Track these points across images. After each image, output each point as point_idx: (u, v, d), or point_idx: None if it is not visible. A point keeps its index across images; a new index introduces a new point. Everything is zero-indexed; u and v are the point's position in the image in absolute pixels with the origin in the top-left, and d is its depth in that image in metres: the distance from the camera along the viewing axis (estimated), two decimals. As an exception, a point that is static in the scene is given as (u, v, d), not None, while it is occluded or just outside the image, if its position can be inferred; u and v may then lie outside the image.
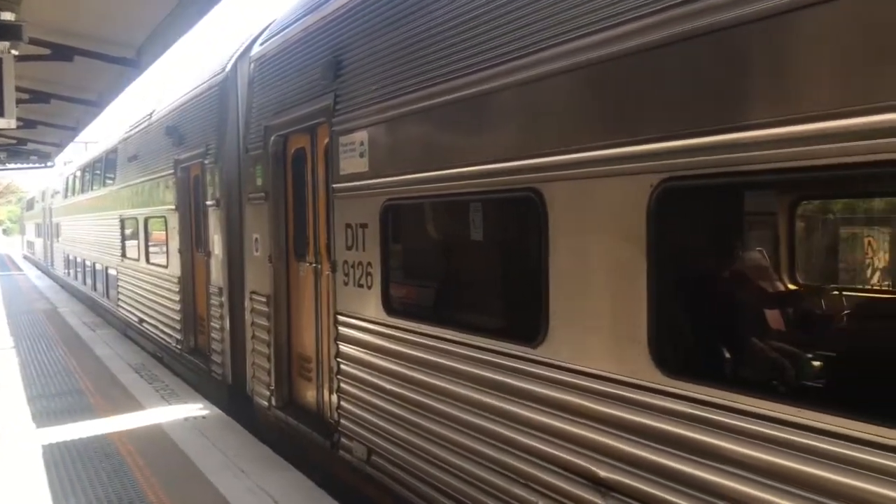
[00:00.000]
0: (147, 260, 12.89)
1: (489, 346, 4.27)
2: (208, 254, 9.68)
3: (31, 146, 20.64)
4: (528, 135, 3.98)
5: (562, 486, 3.73)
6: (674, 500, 3.15)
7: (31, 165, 27.68)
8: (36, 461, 7.00)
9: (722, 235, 4.18)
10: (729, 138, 2.87)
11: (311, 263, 6.93)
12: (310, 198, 6.90)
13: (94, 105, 12.90)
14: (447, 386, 4.65)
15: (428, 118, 4.83)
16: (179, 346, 10.91)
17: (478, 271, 5.07)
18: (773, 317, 4.61)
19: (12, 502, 6.04)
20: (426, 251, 5.62)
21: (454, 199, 4.71)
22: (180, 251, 10.74)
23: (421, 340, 4.92)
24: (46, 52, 9.49)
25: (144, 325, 13.20)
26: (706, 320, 3.59)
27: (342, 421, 5.98)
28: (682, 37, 3.07)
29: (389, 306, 5.32)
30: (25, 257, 47.08)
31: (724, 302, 3.95)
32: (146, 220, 12.87)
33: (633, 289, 3.29)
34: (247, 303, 8.13)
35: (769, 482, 2.77)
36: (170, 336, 11.43)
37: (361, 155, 5.58)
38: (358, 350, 5.72)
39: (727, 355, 3.63)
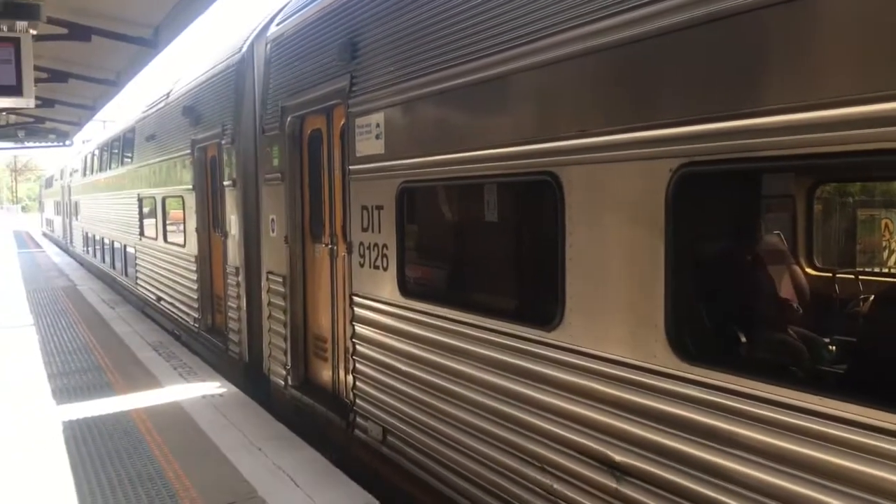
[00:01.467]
0: (165, 239, 12.98)
1: (504, 329, 4.28)
2: (225, 234, 9.73)
3: (49, 125, 20.82)
4: (545, 118, 3.96)
5: (576, 469, 3.75)
6: (688, 484, 3.16)
7: (49, 144, 27.90)
8: (56, 437, 7.10)
9: (740, 220, 4.16)
10: (750, 123, 2.84)
11: (326, 244, 6.95)
12: (325, 179, 6.92)
13: (112, 84, 13.17)
14: (461, 368, 4.67)
15: (445, 100, 4.81)
16: (197, 325, 11.01)
17: (493, 254, 5.07)
18: (791, 302, 4.59)
19: (34, 477, 6.15)
20: (442, 233, 5.63)
21: (470, 181, 4.71)
22: (197, 231, 10.81)
23: (436, 322, 4.94)
24: (64, 31, 9.56)
25: (162, 303, 13.32)
26: (724, 306, 3.59)
27: (358, 401, 6.03)
28: (703, 20, 3.03)
29: (405, 288, 5.34)
30: (44, 234, 47.55)
31: (741, 287, 3.94)
32: (164, 200, 12.95)
33: (651, 273, 3.28)
34: (263, 283, 8.19)
35: (785, 469, 2.78)
36: (187, 315, 11.54)
37: (377, 137, 5.58)
38: (373, 331, 5.75)
39: (744, 341, 3.62)
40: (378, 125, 5.55)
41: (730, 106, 2.94)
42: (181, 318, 11.97)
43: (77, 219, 26.96)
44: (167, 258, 12.78)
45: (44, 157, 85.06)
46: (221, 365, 9.83)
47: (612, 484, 3.52)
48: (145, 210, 14.60)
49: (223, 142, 9.34)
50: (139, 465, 6.36)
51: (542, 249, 4.26)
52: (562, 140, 3.78)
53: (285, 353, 7.60)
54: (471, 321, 4.59)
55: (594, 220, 3.63)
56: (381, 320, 5.62)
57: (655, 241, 3.26)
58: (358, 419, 6.05)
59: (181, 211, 11.68)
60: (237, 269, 9.06)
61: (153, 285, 14.01)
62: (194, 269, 11.00)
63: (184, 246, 11.58)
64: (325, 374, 7.13)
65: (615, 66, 3.50)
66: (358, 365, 6.00)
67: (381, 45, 5.54)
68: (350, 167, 5.98)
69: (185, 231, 11.54)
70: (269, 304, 7.97)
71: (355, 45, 5.87)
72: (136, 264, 15.55)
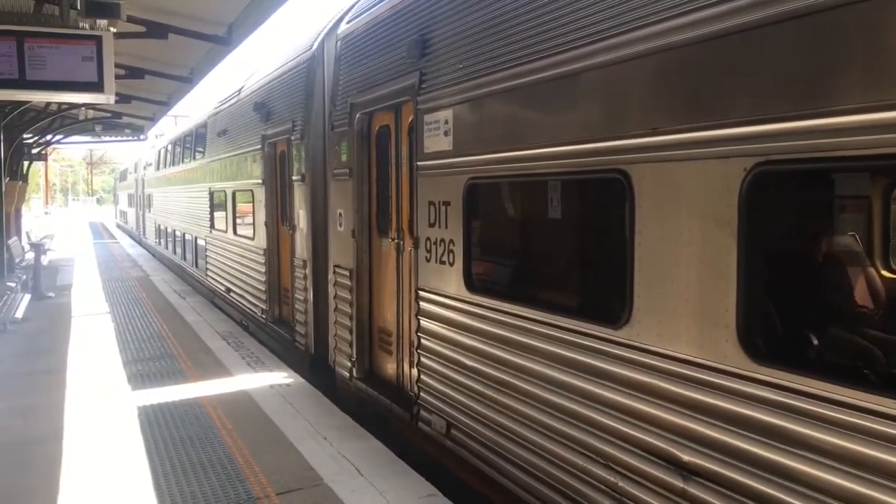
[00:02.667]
0: (234, 231, 13.34)
1: (570, 326, 4.29)
2: (293, 227, 9.95)
3: (125, 120, 21.60)
4: (616, 116, 3.96)
5: (642, 467, 3.74)
6: (757, 486, 3.13)
7: (125, 138, 28.84)
8: (132, 421, 7.40)
9: (815, 220, 4.08)
10: (828, 122, 2.80)
11: (393, 239, 7.06)
12: (393, 175, 7.02)
13: (187, 81, 13.64)
14: (526, 364, 4.70)
15: (514, 97, 4.84)
16: (264, 316, 11.30)
17: (560, 251, 5.08)
18: (866, 304, 4.47)
19: (112, 460, 6.41)
20: (509, 230, 5.66)
21: (538, 178, 4.72)
22: (266, 224, 11.08)
23: (502, 318, 4.98)
24: (142, 29, 9.91)
25: (231, 294, 13.70)
26: (797, 307, 3.52)
27: (422, 394, 6.12)
28: (783, 17, 2.99)
29: (471, 283, 5.40)
30: (119, 226, 49.25)
31: (815, 288, 3.86)
32: (234, 193, 13.31)
33: (723, 273, 3.25)
34: (330, 276, 8.36)
35: (858, 473, 2.73)
36: (255, 306, 11.85)
37: (446, 133, 5.64)
38: (438, 325, 5.82)
39: (816, 343, 3.55)
40: (447, 122, 5.62)
41: (808, 105, 2.89)
42: (249, 309, 12.30)
43: (150, 211, 27.91)
44: (236, 250, 13.15)
45: (118, 151, 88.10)
46: (288, 355, 10.08)
47: (679, 484, 3.50)
48: (216, 203, 15.02)
49: (293, 137, 9.56)
50: (210, 450, 6.58)
51: (610, 247, 4.25)
52: (633, 138, 3.77)
53: (351, 346, 7.75)
54: (536, 317, 4.61)
55: (665, 218, 3.61)
56: (447, 315, 5.68)
57: (728, 240, 3.23)
58: (422, 412, 6.14)
59: (251, 204, 12.00)
60: (304, 262, 9.27)
61: (223, 277, 14.43)
62: (263, 261, 11.29)
63: (253, 239, 11.89)
64: (390, 366, 7.24)
65: (690, 64, 3.47)
66: (423, 359, 6.09)
67: (450, 43, 5.60)
68: (418, 163, 6.06)
69: (254, 224, 11.85)
70: (336, 297, 8.13)
71: (425, 42, 5.94)
72: (206, 256, 16.02)
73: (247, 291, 12.43)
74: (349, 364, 7.80)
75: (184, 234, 19.47)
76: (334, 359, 8.30)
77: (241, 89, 13.26)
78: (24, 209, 27.42)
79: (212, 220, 15.33)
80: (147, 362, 10.05)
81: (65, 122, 21.12)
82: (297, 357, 9.70)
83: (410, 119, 6.42)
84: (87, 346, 11.13)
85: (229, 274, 13.82)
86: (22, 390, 8.59)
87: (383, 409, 7.01)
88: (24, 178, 24.48)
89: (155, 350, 10.87)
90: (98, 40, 7.41)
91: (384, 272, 7.35)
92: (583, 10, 4.14)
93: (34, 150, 24.51)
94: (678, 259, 3.53)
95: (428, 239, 5.94)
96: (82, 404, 8.01)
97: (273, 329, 10.90)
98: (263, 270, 11.28)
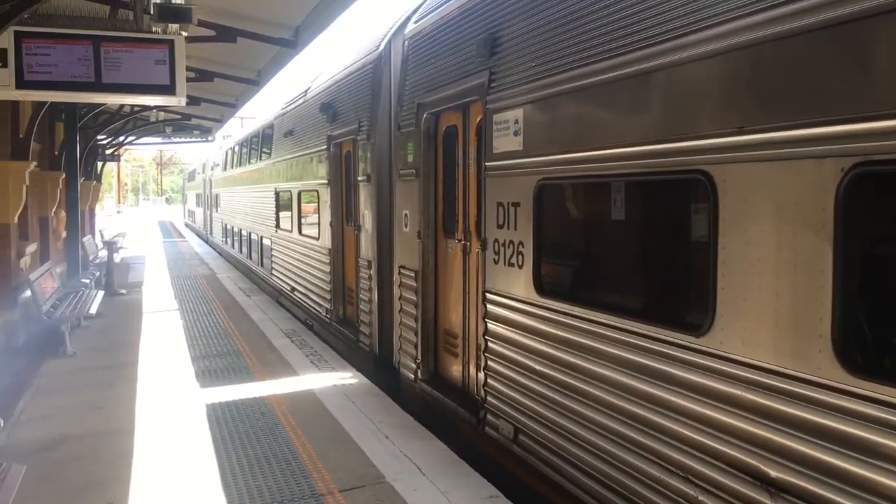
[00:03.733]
0: (299, 231, 13.49)
1: (646, 332, 4.15)
2: (358, 227, 9.99)
3: (194, 121, 21.86)
4: (698, 115, 3.80)
5: (725, 482, 3.57)
6: None
7: (193, 140, 29.57)
8: (201, 417, 7.50)
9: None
10: None
11: (459, 241, 6.99)
12: (460, 175, 6.96)
13: (254, 83, 13.69)
14: (599, 370, 4.57)
15: (588, 96, 4.71)
16: (329, 316, 11.38)
17: (635, 255, 4.93)
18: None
19: (181, 453, 6.52)
20: (581, 232, 5.53)
21: (613, 179, 4.58)
22: (331, 224, 11.16)
23: (573, 322, 4.85)
24: (212, 33, 10.05)
25: (296, 293, 13.86)
26: None
27: (489, 398, 6.03)
28: (880, 10, 2.80)
29: (541, 286, 5.29)
30: (187, 225, 50.50)
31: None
32: (299, 193, 13.46)
33: (817, 280, 3.07)
34: (395, 276, 8.34)
35: None
36: (320, 305, 11.95)
37: (516, 133, 5.54)
38: (506, 329, 5.73)
39: None
40: (517, 121, 5.52)
41: None
42: (314, 308, 12.41)
43: (217, 211, 28.53)
44: (301, 250, 13.29)
45: (185, 152, 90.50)
46: (351, 355, 10.12)
47: (766, 500, 3.33)
48: (281, 203, 15.23)
49: (358, 138, 9.59)
50: (275, 446, 6.63)
51: (691, 251, 4.09)
52: (717, 137, 3.61)
53: (415, 347, 7.71)
54: (611, 322, 4.47)
55: (752, 221, 3.44)
56: (515, 318, 5.59)
57: (822, 245, 3.05)
58: (489, 416, 6.05)
59: (316, 204, 12.10)
60: (369, 262, 9.28)
61: (287, 276, 14.61)
62: (328, 261, 11.37)
63: (318, 239, 11.99)
64: (455, 369, 7.18)
65: (780, 60, 3.30)
66: (490, 362, 6.00)
67: (521, 41, 5.50)
68: (486, 164, 5.98)
69: (319, 224, 11.95)
70: (401, 297, 8.11)
71: (495, 40, 5.86)
72: (271, 255, 16.25)
73: (311, 291, 12.55)
74: (414, 366, 7.77)
75: (249, 234, 19.81)
76: (399, 360, 8.28)
77: (307, 91, 13.41)
78: (97, 208, 28.24)
79: (277, 219, 15.54)
80: (214, 358, 10.23)
81: (137, 123, 21.51)
82: (360, 357, 9.73)
83: (479, 119, 6.35)
84: (157, 341, 11.37)
85: (294, 273, 13.99)
86: (96, 384, 8.81)
87: (448, 412, 6.95)
88: (98, 178, 25.02)
89: (222, 347, 11.05)
90: (170, 44, 7.56)
91: (450, 274, 7.29)
92: (663, 4, 4.00)
93: (107, 151, 24.78)
94: (766, 265, 3.36)
95: (496, 241, 5.85)
96: (153, 398, 8.17)
97: (337, 329, 10.97)
98: (328, 270, 11.36)
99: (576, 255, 5.52)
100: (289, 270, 14.48)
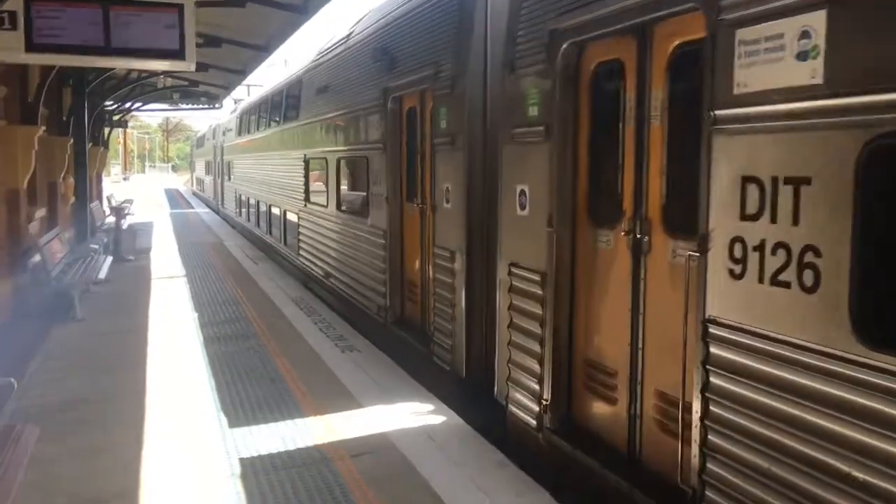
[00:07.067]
0: (338, 207, 11.14)
1: None
2: (428, 205, 7.68)
3: (202, 88, 21.68)
4: None
5: None
6: None
7: (201, 106, 28.96)
8: (209, 377, 7.40)
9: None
10: None
11: (626, 232, 4.66)
12: (631, 132, 4.61)
13: (263, 50, 13.21)
14: None
15: None
16: (383, 315, 9.04)
17: None
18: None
19: (192, 416, 6.34)
20: None
21: None
22: (387, 199, 8.80)
23: None
24: (221, -3, 9.61)
25: (332, 280, 11.56)
26: None
27: (709, 493, 3.73)
28: None
29: (866, 331, 2.93)
30: (195, 194, 48.16)
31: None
32: (338, 161, 11.08)
33: None
34: (501, 276, 6.00)
35: None
36: (369, 300, 9.60)
37: (800, 56, 3.17)
38: (760, 389, 3.40)
39: None
40: (806, 34, 3.14)
41: None
42: (359, 301, 10.08)
43: (230, 180, 26.04)
44: (342, 230, 10.94)
45: (192, 119, 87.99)
46: (410, 365, 7.82)
47: None
48: (313, 173, 12.85)
49: (436, 87, 7.21)
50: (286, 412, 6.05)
51: None
52: None
53: (539, 381, 5.40)
54: None
55: None
56: (787, 377, 3.26)
57: None
58: (709, 521, 3.74)
59: (364, 175, 9.73)
60: (452, 253, 6.93)
61: (320, 259, 12.28)
62: (382, 245, 9.02)
63: (366, 217, 9.63)
64: (613, 422, 4.86)
65: None
66: (715, 437, 3.68)
67: None
68: (718, 113, 3.61)
69: (368, 199, 9.59)
70: (512, 307, 5.77)
71: None
72: (298, 233, 13.92)
73: (356, 280, 10.21)
74: (536, 407, 5.45)
75: (269, 207, 17.42)
76: (506, 394, 5.94)
77: (348, 35, 11.00)
78: (103, 175, 28.13)
79: (307, 192, 13.18)
80: (223, 325, 10.00)
81: (144, 89, 21.14)
82: (433, 375, 7.40)
83: (675, 44, 4.03)
84: (166, 306, 11.22)
85: (330, 256, 11.65)
86: (106, 348, 8.75)
87: (609, 490, 4.65)
88: (105, 145, 24.85)
89: (230, 313, 10.75)
90: (180, 8, 7.36)
91: (602, 280, 4.97)
92: None
93: (115, 117, 25.03)
94: None
95: (739, 240, 3.51)
96: (162, 361, 8.08)
97: (397, 334, 8.63)
98: (383, 257, 9.01)
99: None
100: (322, 253, 12.14)
